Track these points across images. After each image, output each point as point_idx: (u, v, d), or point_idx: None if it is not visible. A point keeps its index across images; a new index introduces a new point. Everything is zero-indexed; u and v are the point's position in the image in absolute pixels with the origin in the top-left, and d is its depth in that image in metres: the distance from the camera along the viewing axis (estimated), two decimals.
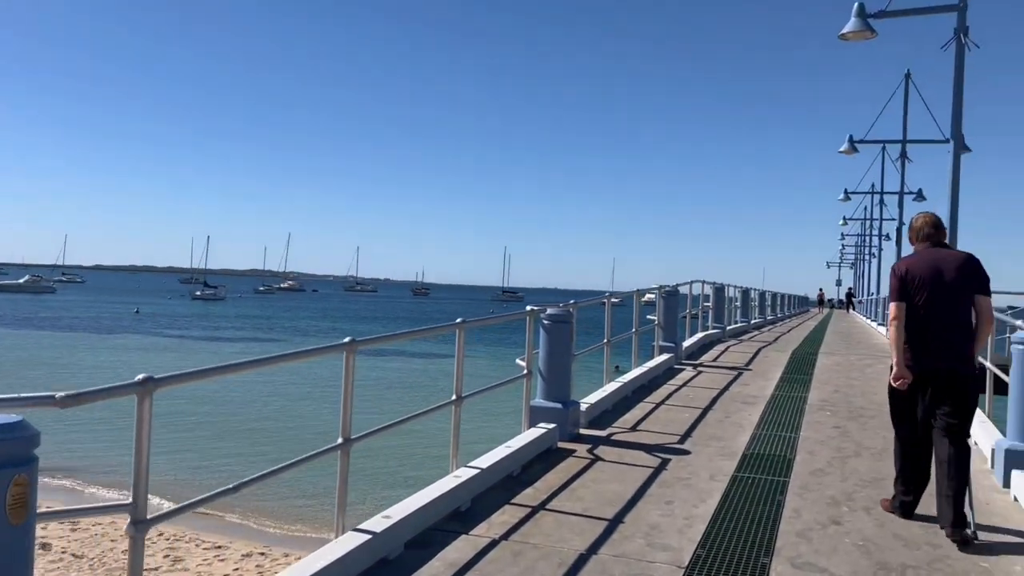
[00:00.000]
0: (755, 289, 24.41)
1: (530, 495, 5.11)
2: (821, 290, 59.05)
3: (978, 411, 8.06)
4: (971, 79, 11.72)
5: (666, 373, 10.53)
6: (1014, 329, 6.27)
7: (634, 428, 7.22)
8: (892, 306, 4.80)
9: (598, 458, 6.11)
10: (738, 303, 20.27)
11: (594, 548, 4.19)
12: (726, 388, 9.58)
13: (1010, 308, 17.29)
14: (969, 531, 4.42)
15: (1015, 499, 5.25)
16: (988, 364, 8.67)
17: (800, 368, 11.74)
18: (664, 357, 10.98)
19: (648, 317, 11.56)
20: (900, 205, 23.72)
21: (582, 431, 6.94)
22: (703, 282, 15.21)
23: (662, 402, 8.54)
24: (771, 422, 7.58)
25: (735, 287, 19.95)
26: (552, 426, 6.41)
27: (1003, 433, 6.42)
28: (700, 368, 11.31)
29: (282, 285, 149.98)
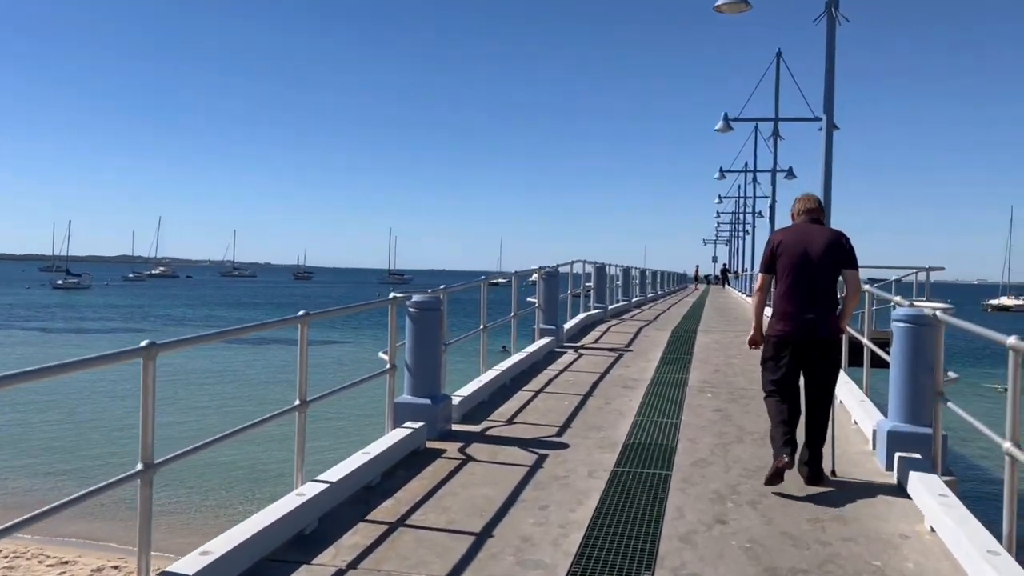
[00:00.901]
0: (636, 268, 24.57)
1: (389, 508, 4.52)
2: (697, 267, 60.90)
3: (857, 390, 8.05)
4: (844, 57, 11.84)
5: (547, 357, 10.14)
6: (894, 305, 6.14)
7: (511, 420, 6.74)
8: (759, 275, 5.23)
9: (470, 458, 5.58)
10: (619, 282, 20.24)
11: (457, 572, 3.65)
12: (607, 371, 9.26)
13: (871, 280, 17.97)
14: (830, 476, 5.11)
15: (898, 483, 5.07)
16: (865, 340, 8.69)
17: (680, 347, 11.61)
18: (545, 341, 10.59)
19: (528, 300, 11.14)
20: (772, 183, 24.35)
21: (455, 427, 6.40)
22: (584, 262, 14.96)
23: (541, 389, 8.11)
24: (652, 408, 7.27)
25: (616, 266, 19.90)
26: (419, 425, 5.84)
27: (884, 414, 6.33)
28: (581, 351, 10.98)
29: (153, 272, 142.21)
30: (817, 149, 11.77)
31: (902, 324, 5.46)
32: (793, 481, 5.00)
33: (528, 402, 7.48)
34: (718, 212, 52.88)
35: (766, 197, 27.95)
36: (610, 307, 17.03)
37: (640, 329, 14.15)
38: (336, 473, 4.60)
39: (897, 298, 6.12)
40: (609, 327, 14.34)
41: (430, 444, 5.87)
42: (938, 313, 4.95)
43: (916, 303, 5.74)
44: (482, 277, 9.19)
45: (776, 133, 20.59)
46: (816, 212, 5.20)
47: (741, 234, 47.34)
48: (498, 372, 8.10)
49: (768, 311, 5.22)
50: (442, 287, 6.92)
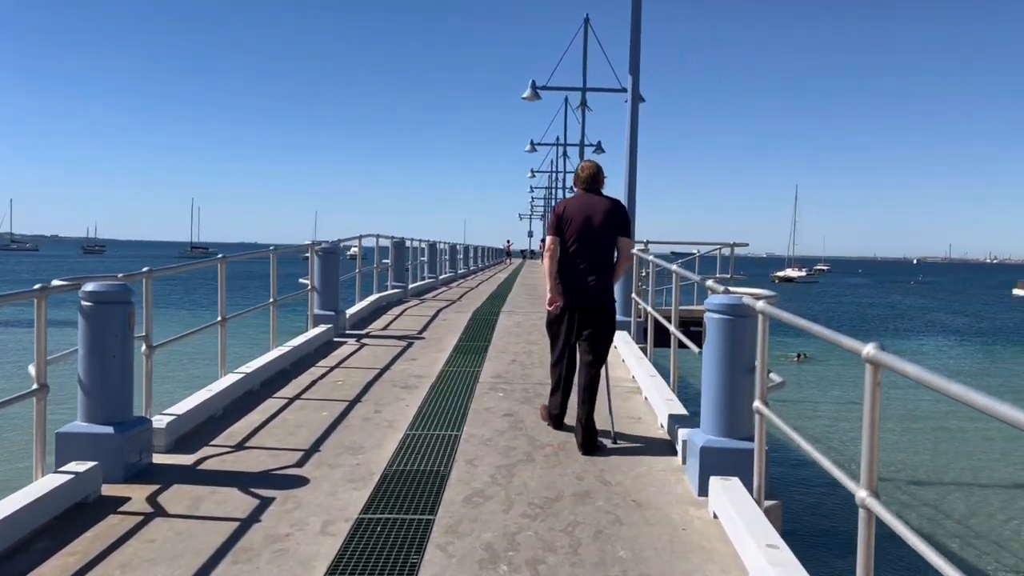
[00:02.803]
0: (444, 243, 23.35)
1: None
2: (508, 242, 60.85)
3: (649, 367, 7.21)
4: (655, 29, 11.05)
5: (319, 350, 8.59)
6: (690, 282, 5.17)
7: (241, 445, 5.19)
8: (548, 239, 5.40)
9: (158, 511, 4.01)
10: (424, 258, 18.92)
11: None
12: (388, 366, 7.88)
13: (674, 255, 17.83)
14: (608, 441, 5.29)
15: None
16: (650, 310, 7.86)
17: (478, 332, 10.43)
18: (320, 329, 9.02)
19: (300, 280, 9.52)
20: (581, 156, 23.82)
21: (158, 460, 4.78)
22: (378, 236, 13.45)
23: (299, 395, 6.60)
24: (430, 416, 5.98)
25: (421, 241, 18.54)
26: (90, 466, 4.17)
27: (685, 407, 5.42)
28: (365, 340, 9.52)
29: None
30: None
31: (716, 315, 4.47)
32: (589, 520, 3.87)
33: (275, 415, 5.95)
34: (532, 187, 52.91)
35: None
36: (412, 286, 15.66)
37: (439, 311, 12.86)
38: None
39: (710, 282, 5.16)
40: (405, 310, 12.93)
41: (108, 491, 4.23)
42: (760, 304, 3.95)
43: (731, 289, 4.80)
44: (271, 247, 7.95)
45: (584, 104, 19.93)
46: (596, 180, 5.42)
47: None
48: (241, 375, 6.49)
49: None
50: (145, 270, 5.21)
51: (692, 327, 13.27)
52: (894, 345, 40.91)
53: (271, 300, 7.90)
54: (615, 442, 5.28)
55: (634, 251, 9.11)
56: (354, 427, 5.64)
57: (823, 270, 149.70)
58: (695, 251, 15.31)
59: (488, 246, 46.51)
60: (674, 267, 6.53)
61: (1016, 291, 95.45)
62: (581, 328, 5.27)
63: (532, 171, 41.93)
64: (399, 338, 9.74)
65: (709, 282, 5.15)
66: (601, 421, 5.34)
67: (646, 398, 6.54)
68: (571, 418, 5.42)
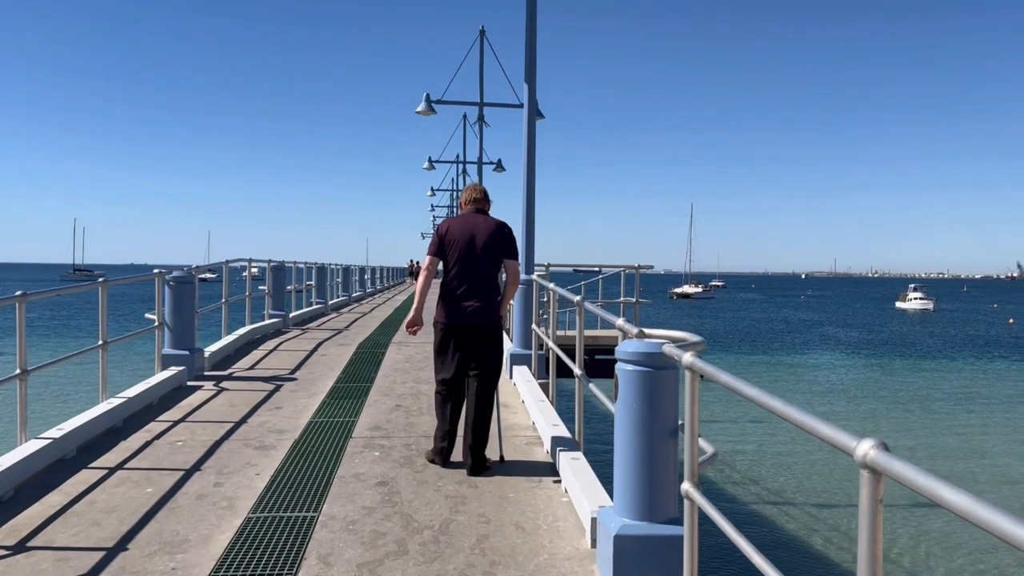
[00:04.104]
0: (337, 264, 22.01)
1: None
2: (413, 261, 59.41)
3: (552, 414, 6.29)
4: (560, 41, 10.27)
5: (164, 401, 7.25)
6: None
7: (22, 545, 3.94)
8: (427, 259, 5.28)
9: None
10: (312, 282, 17.58)
11: None
12: (246, 418, 6.66)
13: (576, 271, 17.10)
14: (497, 460, 5.27)
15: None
16: (551, 343, 6.97)
17: (361, 370, 9.29)
18: (168, 373, 7.68)
19: (147, 316, 8.18)
20: (479, 174, 22.93)
21: None
22: (250, 260, 12.10)
23: (122, 464, 5.33)
24: (285, 487, 4.85)
25: (307, 264, 17.20)
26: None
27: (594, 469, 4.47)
28: (225, 383, 8.23)
29: None
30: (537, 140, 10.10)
31: (631, 367, 3.56)
32: None
33: (83, 494, 4.69)
34: (432, 205, 51.80)
35: None
36: (293, 314, 14.33)
37: (320, 344, 11.60)
38: None
39: (620, 321, 4.23)
40: (281, 343, 11.61)
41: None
42: (687, 358, 3.04)
43: (648, 332, 3.91)
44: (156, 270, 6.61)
45: (481, 119, 19.02)
46: (482, 202, 5.35)
47: None
48: (49, 440, 5.18)
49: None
50: (19, 293, 3.89)
51: (597, 355, 12.59)
52: (792, 360, 41.84)
53: (99, 343, 6.54)
54: (503, 462, 5.29)
55: (536, 276, 8.44)
56: (182, 509, 4.45)
57: (718, 286, 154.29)
58: (597, 269, 14.61)
59: (389, 266, 45.13)
60: (577, 299, 5.61)
61: (898, 303, 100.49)
62: (467, 353, 5.18)
63: (432, 189, 40.83)
64: (267, 379, 8.49)
65: (620, 321, 4.24)
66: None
67: (547, 451, 5.59)
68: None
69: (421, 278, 5.29)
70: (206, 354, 8.83)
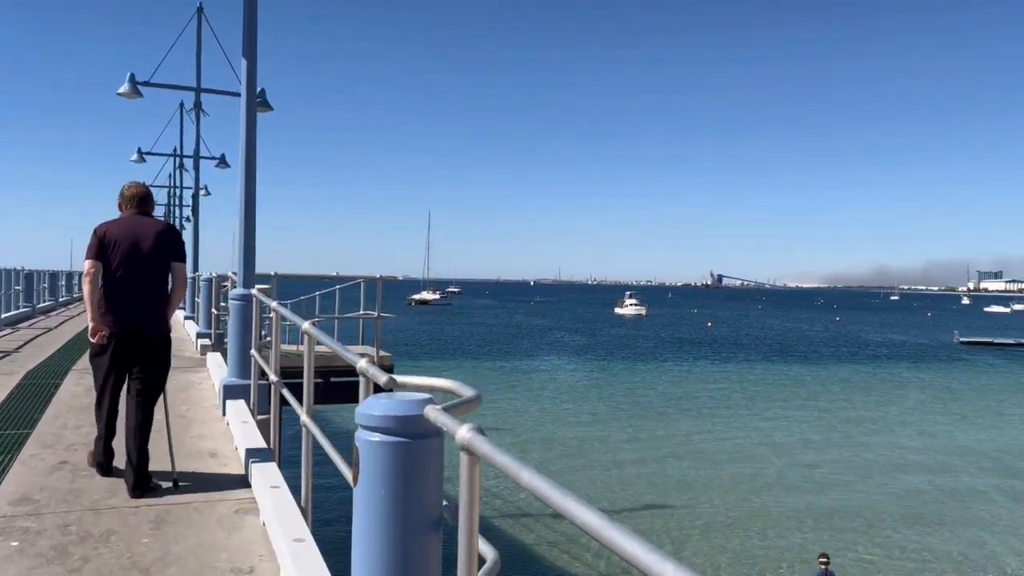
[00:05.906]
0: (20, 268, 18.47)
1: None
2: None
3: (274, 474, 5.03)
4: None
5: None
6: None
7: None
8: (87, 263, 4.87)
9: None
10: (20, 287, 14.40)
11: None
12: None
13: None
14: (168, 484, 4.81)
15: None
16: (271, 372, 5.70)
17: (21, 409, 7.21)
18: None
19: None
20: (196, 167, 20.47)
21: None
22: None
23: None
24: None
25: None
26: None
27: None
28: None
29: None
30: (265, 134, 8.57)
31: (376, 438, 2.46)
32: None
33: None
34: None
35: (189, 188, 23.87)
36: None
37: None
38: None
39: (362, 363, 3.11)
40: None
41: None
42: (463, 432, 2.02)
43: (401, 380, 2.86)
44: None
45: (198, 106, 16.77)
46: (145, 203, 5.10)
47: (181, 229, 41.95)
48: None
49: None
50: None
51: (333, 378, 11.30)
52: (526, 366, 43.08)
53: None
54: (176, 485, 4.81)
55: (255, 291, 7.10)
56: None
57: (455, 292, 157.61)
58: (334, 279, 13.31)
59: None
60: (305, 325, 4.39)
61: (617, 309, 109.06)
62: (130, 361, 4.89)
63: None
64: None
65: (361, 363, 3.12)
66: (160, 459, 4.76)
67: (263, 523, 4.32)
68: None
69: (87, 286, 4.83)
70: None
